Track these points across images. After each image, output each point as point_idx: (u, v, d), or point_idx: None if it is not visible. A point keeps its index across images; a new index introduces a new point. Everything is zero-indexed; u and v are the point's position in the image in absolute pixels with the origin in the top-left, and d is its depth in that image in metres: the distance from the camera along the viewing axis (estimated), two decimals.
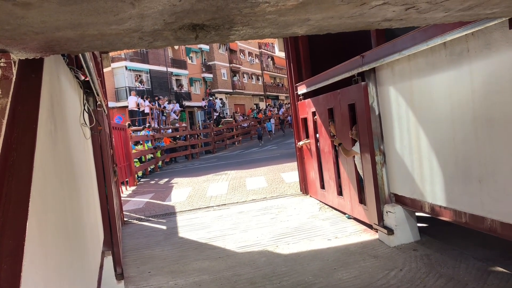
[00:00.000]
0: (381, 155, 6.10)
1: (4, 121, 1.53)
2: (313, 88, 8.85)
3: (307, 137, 9.35)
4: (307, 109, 9.21)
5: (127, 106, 26.26)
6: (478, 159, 4.01)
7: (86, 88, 5.40)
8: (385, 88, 5.99)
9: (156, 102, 25.88)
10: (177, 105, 29.58)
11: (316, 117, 8.69)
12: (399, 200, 5.77)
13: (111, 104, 21.49)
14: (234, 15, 1.60)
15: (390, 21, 1.98)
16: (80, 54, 3.83)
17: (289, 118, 34.81)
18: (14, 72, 1.75)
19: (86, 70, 4.52)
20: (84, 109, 5.09)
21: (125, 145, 16.08)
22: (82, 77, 5.13)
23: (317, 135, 8.78)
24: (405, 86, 5.46)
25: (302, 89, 9.53)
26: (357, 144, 6.49)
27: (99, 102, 6.32)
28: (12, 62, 1.74)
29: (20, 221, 1.51)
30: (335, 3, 1.60)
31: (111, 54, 11.23)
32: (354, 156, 6.65)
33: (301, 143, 9.48)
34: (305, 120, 9.56)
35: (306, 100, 9.32)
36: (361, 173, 6.48)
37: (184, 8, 1.44)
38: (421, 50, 4.66)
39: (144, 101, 24.39)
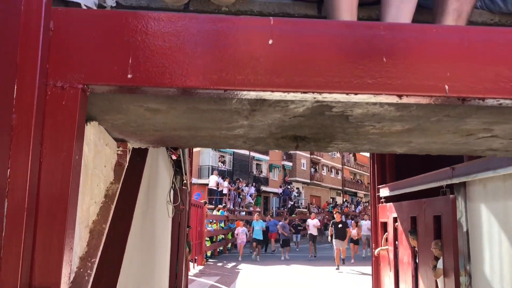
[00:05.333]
0: (467, 276, 5.60)
1: (113, 207, 1.65)
2: (396, 192, 8.57)
3: (386, 244, 8.91)
4: (388, 213, 8.87)
5: (207, 184, 27.09)
6: None
7: (176, 167, 5.68)
8: (476, 205, 5.65)
9: (235, 184, 26.48)
10: (253, 188, 29.99)
11: (397, 223, 8.30)
12: None
13: (193, 180, 22.31)
14: (337, 132, 1.66)
15: (495, 151, 1.93)
16: None
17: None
18: (127, 159, 1.91)
19: (181, 152, 4.80)
20: (172, 187, 5.33)
21: (200, 223, 16.36)
22: (174, 157, 5.44)
23: (397, 242, 8.33)
24: (498, 206, 5.11)
25: (384, 192, 9.26)
26: (441, 260, 6.06)
27: (185, 181, 6.58)
28: (128, 150, 1.91)
29: None
30: (441, 132, 1.61)
31: None
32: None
33: (378, 249, 9.04)
34: (384, 224, 9.17)
35: (388, 203, 9.01)
36: None
37: (292, 123, 1.52)
38: None
39: (224, 181, 25.08)
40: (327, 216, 32.90)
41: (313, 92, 1.11)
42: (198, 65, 1.09)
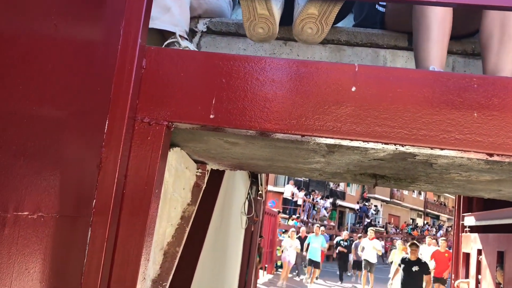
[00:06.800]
0: None
1: (188, 229, 1.71)
2: (483, 223, 7.96)
3: (467, 276, 8.32)
4: (472, 244, 8.26)
5: (282, 192, 27.12)
6: None
7: (253, 177, 5.74)
8: None
9: (311, 196, 26.26)
10: (328, 202, 29.53)
11: (481, 256, 7.72)
12: None
13: (269, 187, 22.42)
14: (419, 175, 1.58)
15: None
16: None
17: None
18: (205, 180, 1.97)
19: None
20: (247, 198, 5.39)
21: (273, 232, 16.40)
22: None
23: (479, 277, 7.74)
24: None
25: (469, 221, 8.64)
26: None
27: (260, 192, 6.63)
28: (206, 172, 1.97)
29: None
30: None
31: None
32: None
33: (458, 282, 8.46)
34: (467, 256, 8.57)
35: (472, 234, 8.41)
36: None
37: (372, 164, 1.48)
38: None
39: (299, 192, 24.99)
40: (404, 238, 31.09)
41: (395, 144, 1.07)
42: (278, 109, 1.10)
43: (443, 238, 12.82)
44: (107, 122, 1.08)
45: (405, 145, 1.06)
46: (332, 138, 1.08)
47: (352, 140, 1.08)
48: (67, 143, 0.96)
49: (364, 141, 1.07)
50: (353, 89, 1.09)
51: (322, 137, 1.08)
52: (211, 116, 1.11)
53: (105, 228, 1.04)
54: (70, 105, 0.99)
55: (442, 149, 1.05)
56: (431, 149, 1.06)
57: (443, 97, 1.07)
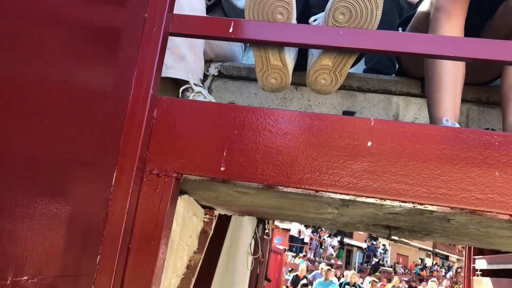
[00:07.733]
0: None
1: (194, 279, 1.65)
2: (495, 267, 7.74)
3: None
4: None
5: (289, 229, 26.76)
6: None
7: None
8: None
9: (318, 233, 25.87)
10: (335, 240, 29.05)
11: None
12: None
13: (275, 222, 22.07)
14: (435, 228, 1.53)
15: None
16: None
17: None
18: (213, 226, 1.92)
19: None
20: (253, 237, 5.29)
21: (278, 270, 16.06)
22: None
23: None
24: None
25: (481, 264, 8.40)
26: None
27: (267, 230, 6.52)
28: (214, 217, 1.92)
29: None
30: None
31: None
32: None
33: None
34: None
35: (484, 277, 8.16)
36: None
37: (387, 217, 1.43)
38: None
39: (306, 229, 24.63)
40: (413, 278, 30.31)
41: (413, 203, 1.02)
42: (291, 162, 1.06)
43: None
44: (115, 174, 1.05)
45: (423, 204, 1.02)
46: (348, 194, 1.04)
47: (368, 197, 1.03)
48: (72, 198, 0.92)
49: (381, 199, 1.03)
50: (369, 144, 1.06)
51: (337, 193, 1.04)
52: (222, 169, 1.07)
53: (109, 285, 0.99)
54: (77, 157, 0.96)
55: (462, 209, 1.00)
56: (451, 209, 1.01)
57: (463, 154, 1.03)
